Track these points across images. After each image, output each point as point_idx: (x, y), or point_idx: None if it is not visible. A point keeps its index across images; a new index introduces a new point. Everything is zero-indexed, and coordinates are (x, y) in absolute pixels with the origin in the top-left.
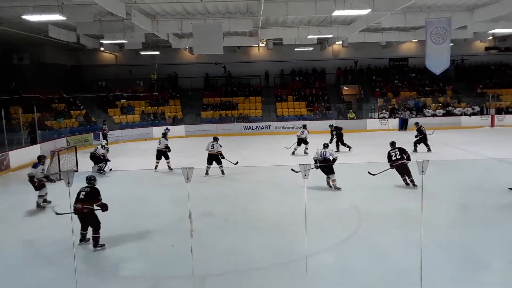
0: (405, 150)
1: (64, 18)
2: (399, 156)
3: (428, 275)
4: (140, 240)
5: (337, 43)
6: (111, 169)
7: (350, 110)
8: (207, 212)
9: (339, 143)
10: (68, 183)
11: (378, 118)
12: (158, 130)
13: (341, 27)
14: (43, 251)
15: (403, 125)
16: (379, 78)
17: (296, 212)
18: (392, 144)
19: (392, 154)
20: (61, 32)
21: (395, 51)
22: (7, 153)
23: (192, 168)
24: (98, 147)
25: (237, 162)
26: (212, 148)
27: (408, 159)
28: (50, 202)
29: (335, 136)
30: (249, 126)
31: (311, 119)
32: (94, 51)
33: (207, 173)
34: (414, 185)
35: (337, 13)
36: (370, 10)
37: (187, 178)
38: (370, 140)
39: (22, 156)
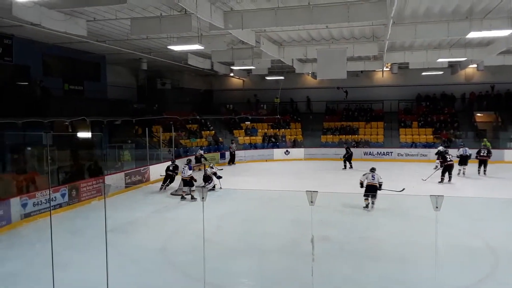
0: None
1: (202, 48)
2: (486, 153)
3: None
4: (258, 258)
5: (470, 66)
6: (221, 187)
7: (485, 139)
8: (323, 237)
9: (347, 161)
10: (202, 198)
11: None
12: (278, 152)
13: (476, 49)
14: (173, 259)
15: None
16: None
17: (420, 246)
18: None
19: (481, 151)
20: (198, 60)
21: None
22: (148, 167)
23: (317, 191)
24: (208, 168)
25: (403, 189)
26: (373, 179)
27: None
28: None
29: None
30: (370, 152)
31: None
32: (225, 77)
33: (367, 206)
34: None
35: (472, 35)
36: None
37: (311, 202)
38: (509, 173)
39: (160, 170)
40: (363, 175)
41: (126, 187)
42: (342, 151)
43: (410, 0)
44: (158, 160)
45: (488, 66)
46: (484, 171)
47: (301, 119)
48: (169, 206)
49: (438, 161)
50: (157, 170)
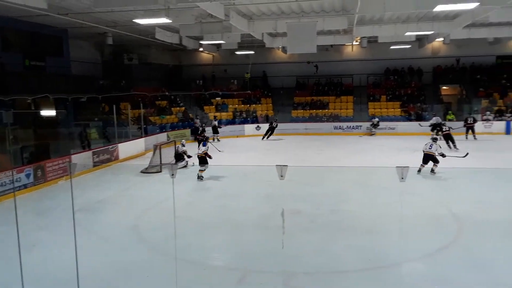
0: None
1: (170, 21)
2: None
3: None
4: (231, 233)
5: (437, 39)
6: (193, 164)
7: (450, 112)
8: (294, 210)
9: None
10: (172, 175)
11: (482, 120)
12: (249, 128)
13: (443, 23)
14: (145, 236)
15: None
16: (484, 77)
17: (388, 216)
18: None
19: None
20: (166, 34)
21: (504, 48)
22: (116, 145)
23: (287, 165)
24: (179, 145)
25: (467, 154)
26: (430, 148)
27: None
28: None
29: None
30: (340, 126)
31: (405, 120)
32: (194, 52)
33: (419, 171)
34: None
35: (439, 8)
36: (477, 3)
37: (281, 176)
38: (471, 144)
39: (129, 148)
40: (425, 144)
41: (94, 166)
42: (313, 125)
43: None
44: (127, 138)
45: (454, 39)
46: (474, 136)
47: (272, 94)
48: (139, 184)
49: None
50: (127, 148)
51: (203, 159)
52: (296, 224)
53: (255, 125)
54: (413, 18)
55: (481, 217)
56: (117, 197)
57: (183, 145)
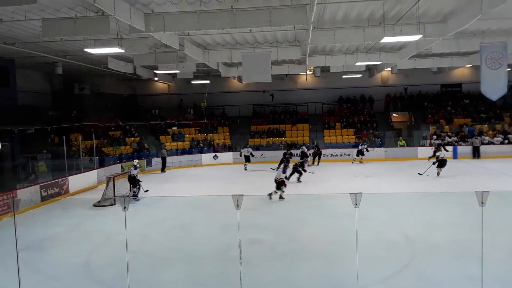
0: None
1: (123, 51)
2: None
3: None
4: (188, 266)
5: (386, 69)
6: (146, 190)
7: (400, 138)
8: (254, 240)
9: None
10: (124, 207)
11: (431, 145)
12: (207, 157)
13: (390, 54)
14: (97, 273)
15: (475, 153)
16: (431, 105)
17: (345, 242)
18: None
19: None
20: (119, 64)
21: (447, 77)
22: (66, 178)
23: (242, 195)
24: (131, 168)
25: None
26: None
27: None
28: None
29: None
30: (297, 154)
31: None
32: (149, 81)
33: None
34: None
35: (386, 40)
36: (421, 36)
37: (237, 205)
38: (421, 169)
39: (81, 181)
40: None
41: (42, 200)
42: (271, 153)
43: (328, 6)
44: (79, 170)
45: (401, 69)
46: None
47: (228, 123)
48: (91, 218)
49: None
50: (78, 181)
51: (280, 184)
52: (256, 254)
53: (212, 154)
54: (362, 49)
55: (431, 239)
56: (67, 233)
57: (135, 168)
